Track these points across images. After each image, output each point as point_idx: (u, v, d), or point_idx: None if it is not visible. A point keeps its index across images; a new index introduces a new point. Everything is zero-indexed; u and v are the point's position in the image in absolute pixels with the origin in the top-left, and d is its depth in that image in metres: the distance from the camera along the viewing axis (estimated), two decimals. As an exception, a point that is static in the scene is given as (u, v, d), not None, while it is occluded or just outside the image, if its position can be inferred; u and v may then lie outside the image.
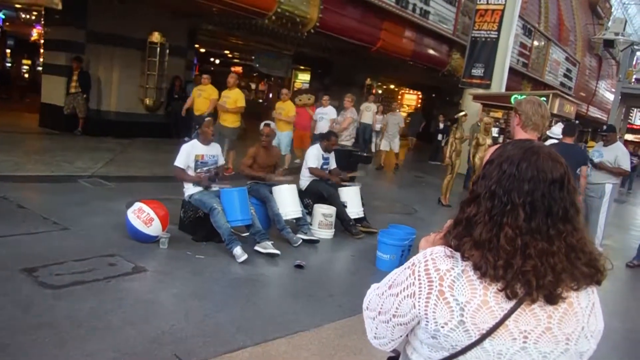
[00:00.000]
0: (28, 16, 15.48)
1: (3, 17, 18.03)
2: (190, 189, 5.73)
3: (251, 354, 3.47)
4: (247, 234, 5.73)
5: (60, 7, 8.89)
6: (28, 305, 3.71)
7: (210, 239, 5.58)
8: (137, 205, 5.33)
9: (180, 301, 4.19)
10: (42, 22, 13.52)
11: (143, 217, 5.21)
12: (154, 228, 5.24)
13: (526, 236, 1.14)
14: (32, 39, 19.43)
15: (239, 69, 26.26)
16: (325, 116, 11.07)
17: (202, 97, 10.19)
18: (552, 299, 1.14)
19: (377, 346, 1.38)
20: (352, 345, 3.79)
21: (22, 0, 10.97)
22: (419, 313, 1.20)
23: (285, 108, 10.56)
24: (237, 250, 5.17)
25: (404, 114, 21.42)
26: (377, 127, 14.97)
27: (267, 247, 5.45)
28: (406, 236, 5.83)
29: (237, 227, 5.69)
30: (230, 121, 9.62)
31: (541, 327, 1.15)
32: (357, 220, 6.88)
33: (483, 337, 1.14)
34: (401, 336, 1.32)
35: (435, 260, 1.21)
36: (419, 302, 1.19)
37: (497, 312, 1.14)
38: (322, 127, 10.70)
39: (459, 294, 1.15)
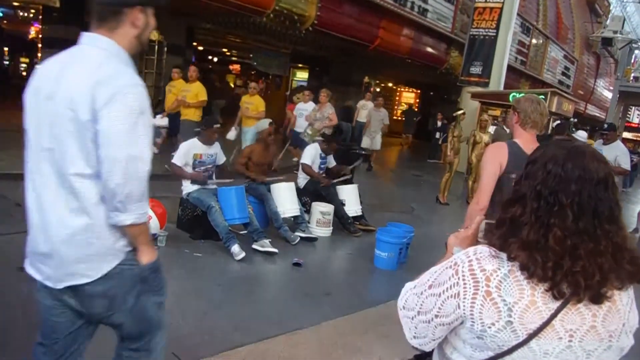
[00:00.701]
0: (26, 14, 15.44)
1: (1, 15, 17.98)
2: (188, 187, 5.72)
3: (249, 353, 3.46)
4: (245, 232, 5.72)
5: (57, 4, 8.89)
6: (26, 305, 3.69)
7: (208, 237, 5.57)
8: (135, 203, 5.31)
9: (177, 299, 4.17)
10: (40, 20, 13.48)
11: (141, 215, 5.19)
12: (152, 226, 5.21)
13: (575, 237, 1.14)
14: (30, 36, 19.39)
15: (237, 67, 26.26)
16: (304, 112, 10.54)
17: (172, 93, 9.76)
18: (598, 299, 1.14)
19: (416, 346, 1.36)
20: (351, 343, 3.78)
21: (20, -3, 10.99)
22: (464, 313, 1.20)
23: (254, 102, 9.79)
24: (235, 248, 5.16)
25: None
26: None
27: (264, 245, 5.45)
28: (404, 234, 5.84)
29: (235, 225, 5.69)
30: (190, 115, 9.15)
31: (586, 325, 1.16)
32: (355, 218, 6.88)
33: (530, 337, 1.15)
34: (442, 336, 1.31)
35: (480, 260, 1.20)
36: (464, 302, 1.19)
37: (544, 312, 1.14)
38: (302, 123, 10.40)
39: (507, 295, 1.15)
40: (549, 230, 1.14)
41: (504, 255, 1.19)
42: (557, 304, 1.14)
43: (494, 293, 1.16)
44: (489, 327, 1.16)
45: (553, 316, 1.14)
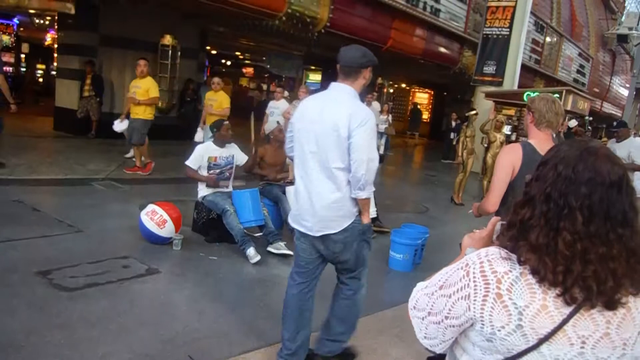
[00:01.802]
0: (42, 21, 15.64)
1: (17, 22, 18.23)
2: (203, 190, 5.75)
3: (264, 355, 3.46)
4: (260, 234, 5.73)
5: (72, 11, 8.97)
6: (42, 307, 3.74)
7: (223, 240, 5.58)
8: (150, 207, 5.35)
9: (193, 302, 4.20)
10: (56, 27, 13.64)
11: (156, 218, 5.23)
12: (167, 230, 5.26)
13: (585, 241, 1.10)
14: (46, 43, 19.63)
15: (251, 70, 26.38)
16: (276, 110, 9.94)
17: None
18: (612, 305, 1.11)
19: (427, 347, 1.34)
20: (366, 345, 3.77)
21: (36, 5, 11.10)
22: (474, 315, 1.18)
23: (218, 99, 9.00)
24: (250, 251, 5.17)
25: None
26: (382, 128, 14.61)
27: (279, 247, 5.45)
28: (419, 235, 5.81)
29: (250, 228, 5.70)
30: (140, 113, 8.38)
31: (599, 332, 1.12)
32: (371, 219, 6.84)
33: (541, 342, 1.12)
34: (452, 338, 1.29)
35: (492, 262, 1.17)
36: (474, 304, 1.17)
37: (556, 316, 1.11)
38: (274, 122, 9.52)
39: (518, 298, 1.13)
40: (559, 234, 1.12)
41: (515, 257, 1.17)
42: (570, 309, 1.11)
43: (505, 296, 1.14)
44: (499, 330, 1.14)
45: (565, 321, 1.11)
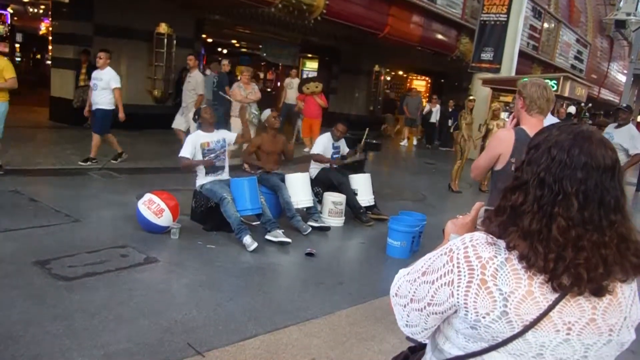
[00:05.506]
0: (36, 10, 15.54)
1: (11, 11, 18.09)
2: (201, 179, 5.75)
3: (263, 342, 3.48)
4: (258, 223, 5.74)
5: (67, 0, 8.91)
6: (41, 297, 3.75)
7: (221, 229, 5.59)
8: (148, 196, 5.35)
9: (191, 291, 4.21)
10: (50, 16, 13.55)
11: (153, 208, 5.23)
12: (165, 219, 5.26)
13: (579, 227, 1.08)
14: (41, 32, 19.50)
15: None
16: (100, 82, 7.99)
17: None
18: (599, 292, 1.09)
19: (409, 334, 1.31)
20: (363, 332, 3.79)
21: (30, -7, 11.05)
22: (458, 302, 1.15)
23: None
24: (247, 239, 5.18)
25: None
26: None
27: (277, 235, 5.46)
28: (416, 223, 5.82)
29: (248, 217, 5.70)
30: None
31: (585, 318, 1.11)
32: (368, 207, 6.86)
33: (526, 329, 1.10)
34: (434, 325, 1.26)
35: (477, 247, 1.15)
36: (457, 290, 1.14)
37: (541, 303, 1.09)
38: (97, 96, 8.01)
39: (503, 284, 1.10)
40: (553, 220, 1.09)
41: (501, 243, 1.14)
42: (556, 295, 1.09)
43: (490, 282, 1.11)
44: (483, 317, 1.12)
45: (551, 308, 1.09)
